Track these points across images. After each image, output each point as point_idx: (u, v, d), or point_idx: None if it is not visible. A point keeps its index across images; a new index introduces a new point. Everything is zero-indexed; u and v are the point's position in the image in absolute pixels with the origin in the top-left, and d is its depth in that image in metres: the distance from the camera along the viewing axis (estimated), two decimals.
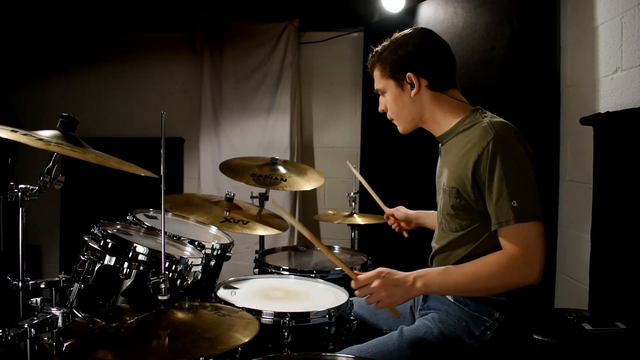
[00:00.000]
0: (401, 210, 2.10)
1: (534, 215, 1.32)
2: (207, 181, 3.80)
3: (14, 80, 4.02)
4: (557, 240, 2.69)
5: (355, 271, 1.42)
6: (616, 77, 2.15)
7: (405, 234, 2.10)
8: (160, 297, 1.22)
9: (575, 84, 2.55)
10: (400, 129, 1.63)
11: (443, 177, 1.53)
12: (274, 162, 2.52)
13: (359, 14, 3.65)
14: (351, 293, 1.72)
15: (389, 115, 1.63)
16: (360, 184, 2.38)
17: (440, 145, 1.61)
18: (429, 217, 1.98)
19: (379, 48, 1.59)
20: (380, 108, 1.64)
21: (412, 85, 1.52)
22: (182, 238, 1.96)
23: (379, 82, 1.60)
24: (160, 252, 1.32)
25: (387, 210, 2.14)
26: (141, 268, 1.55)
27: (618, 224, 2.07)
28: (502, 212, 1.33)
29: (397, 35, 1.58)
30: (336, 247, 2.58)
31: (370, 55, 1.61)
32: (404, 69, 1.52)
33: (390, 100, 1.59)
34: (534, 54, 2.68)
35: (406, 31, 1.57)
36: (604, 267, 2.15)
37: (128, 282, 1.56)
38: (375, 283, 1.35)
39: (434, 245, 1.61)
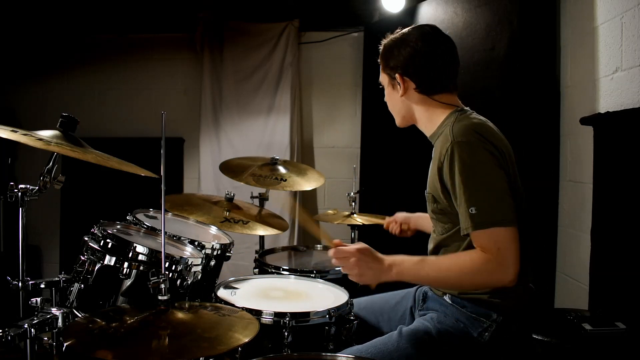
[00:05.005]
0: (400, 215, 2.11)
1: (495, 222, 1.30)
2: (207, 181, 3.80)
3: (14, 80, 4.02)
4: (557, 240, 2.69)
5: (337, 241, 1.45)
6: (616, 77, 2.15)
7: (408, 233, 2.11)
8: (160, 297, 1.22)
9: (575, 84, 2.55)
10: (395, 122, 1.68)
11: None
12: (274, 162, 2.52)
13: (359, 14, 3.66)
14: (351, 293, 1.73)
15: (388, 108, 1.68)
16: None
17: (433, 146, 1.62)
18: (426, 219, 1.99)
19: (386, 40, 1.60)
20: (385, 99, 1.68)
21: (401, 86, 1.55)
22: (182, 238, 1.96)
23: (381, 73, 1.64)
24: (160, 252, 1.32)
25: (386, 220, 2.15)
26: (141, 268, 1.55)
27: (618, 224, 2.07)
28: (463, 219, 1.35)
29: (399, 32, 1.58)
30: None
31: (381, 45, 1.63)
32: (395, 69, 1.55)
33: (386, 95, 1.65)
34: (534, 53, 2.68)
35: (407, 30, 1.56)
36: (604, 267, 2.15)
37: (128, 282, 1.56)
38: (352, 259, 1.39)
39: (429, 245, 1.63)
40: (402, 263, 1.39)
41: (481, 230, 1.31)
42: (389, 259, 1.40)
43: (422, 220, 2.02)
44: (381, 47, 1.61)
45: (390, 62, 1.56)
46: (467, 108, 1.55)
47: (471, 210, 1.32)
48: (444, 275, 1.37)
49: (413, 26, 1.57)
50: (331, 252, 1.43)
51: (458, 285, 1.41)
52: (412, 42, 1.52)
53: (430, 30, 1.55)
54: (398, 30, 1.59)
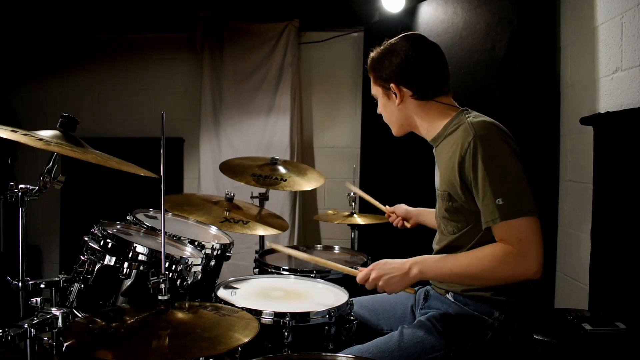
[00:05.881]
0: (402, 207, 2.12)
1: (521, 211, 1.31)
2: (207, 181, 3.80)
3: (14, 80, 4.02)
4: (557, 240, 2.69)
5: (357, 269, 1.51)
6: (616, 77, 2.15)
7: (408, 225, 2.11)
8: (160, 297, 1.22)
9: (575, 84, 2.55)
10: (392, 132, 1.68)
11: (437, 181, 1.56)
12: (274, 162, 2.52)
13: (359, 14, 3.65)
14: (351, 293, 1.73)
15: (383, 119, 1.69)
16: (360, 186, 2.40)
17: (433, 149, 1.62)
18: (428, 215, 1.99)
19: (373, 53, 1.62)
20: (378, 110, 1.69)
21: (397, 95, 1.55)
22: (182, 238, 1.96)
23: (372, 87, 1.66)
24: (160, 252, 1.32)
25: (387, 209, 2.16)
26: (141, 268, 1.55)
27: (618, 224, 2.07)
28: (488, 211, 1.34)
29: (387, 43, 1.59)
30: (336, 247, 2.58)
31: (369, 59, 1.64)
32: (388, 79, 1.56)
33: (381, 106, 1.66)
34: (534, 54, 2.68)
35: (394, 40, 1.58)
36: (604, 267, 2.15)
37: (128, 282, 1.56)
38: (373, 275, 1.43)
39: (435, 246, 1.62)
40: (424, 261, 1.41)
41: (507, 221, 1.31)
42: (408, 260, 1.42)
43: (423, 216, 2.02)
44: (369, 60, 1.62)
45: (382, 73, 1.57)
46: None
47: (498, 202, 1.31)
48: (466, 270, 1.37)
49: (399, 36, 1.59)
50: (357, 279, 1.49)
51: (481, 279, 1.39)
52: (402, 50, 1.53)
53: (417, 38, 1.58)
54: (385, 42, 1.60)
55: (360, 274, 1.48)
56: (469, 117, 1.46)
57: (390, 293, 1.44)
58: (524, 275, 1.32)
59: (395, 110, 1.60)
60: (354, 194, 2.61)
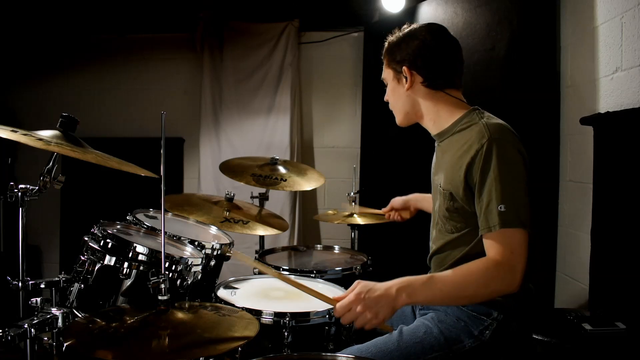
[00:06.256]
0: (397, 200, 2.11)
1: (520, 222, 1.30)
2: (207, 181, 3.80)
3: (14, 80, 4.02)
4: (557, 240, 2.69)
5: (333, 297, 1.36)
6: (616, 77, 2.15)
7: (407, 216, 2.14)
8: (160, 297, 1.22)
9: (575, 84, 2.55)
10: (396, 120, 1.65)
11: (439, 178, 1.53)
12: (274, 162, 2.52)
13: (359, 14, 3.65)
14: None
15: (389, 105, 1.66)
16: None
17: (436, 143, 1.61)
18: (426, 200, 2.00)
19: (392, 37, 1.60)
20: (385, 97, 1.66)
21: (407, 79, 1.54)
22: (182, 238, 1.96)
23: (384, 70, 1.63)
24: (160, 252, 1.32)
25: (384, 210, 2.17)
26: (141, 268, 1.55)
27: (618, 224, 2.07)
28: (490, 216, 1.32)
29: (407, 27, 1.58)
30: (336, 247, 2.58)
31: (386, 42, 1.63)
32: (401, 62, 1.54)
33: (389, 90, 1.63)
34: (534, 54, 2.68)
35: (416, 25, 1.57)
36: (604, 267, 2.15)
37: (128, 282, 1.56)
38: (359, 308, 1.28)
39: (432, 245, 1.61)
40: (410, 285, 1.30)
41: (505, 229, 1.29)
42: (393, 284, 1.29)
43: (422, 202, 2.03)
44: (386, 43, 1.61)
45: (397, 55, 1.55)
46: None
47: (500, 208, 1.30)
48: (459, 289, 1.31)
49: (421, 23, 1.58)
50: (335, 313, 1.32)
51: (473, 296, 1.34)
52: (421, 36, 1.53)
53: (439, 28, 1.57)
54: (405, 26, 1.59)
55: (339, 304, 1.31)
56: (482, 117, 1.45)
57: (378, 325, 1.29)
58: (509, 289, 1.30)
59: (402, 95, 1.57)
60: (353, 194, 2.61)
